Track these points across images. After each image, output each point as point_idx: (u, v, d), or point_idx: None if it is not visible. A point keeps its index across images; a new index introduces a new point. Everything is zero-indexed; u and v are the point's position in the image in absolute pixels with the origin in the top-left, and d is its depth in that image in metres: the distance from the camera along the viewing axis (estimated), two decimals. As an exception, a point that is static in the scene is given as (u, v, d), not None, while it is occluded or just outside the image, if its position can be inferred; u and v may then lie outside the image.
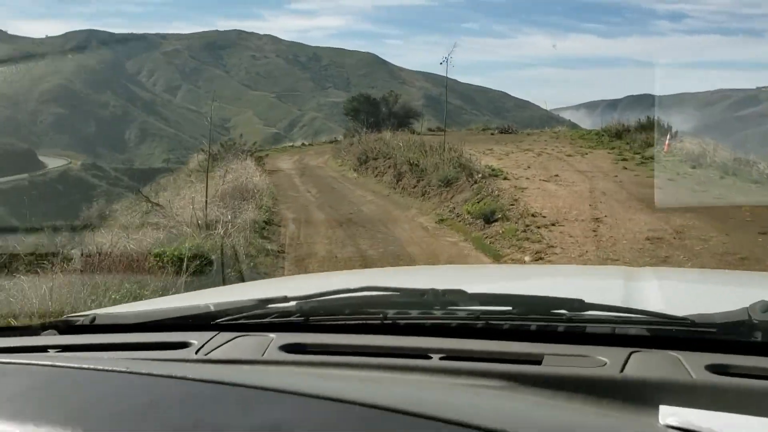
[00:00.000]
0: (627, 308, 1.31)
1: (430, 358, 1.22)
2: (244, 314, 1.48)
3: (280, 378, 1.11)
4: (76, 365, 1.12)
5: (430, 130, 33.84)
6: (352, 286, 1.49)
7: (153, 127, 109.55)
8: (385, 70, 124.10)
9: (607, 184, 14.87)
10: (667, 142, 21.47)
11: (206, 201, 10.22)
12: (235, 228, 10.10)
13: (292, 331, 1.42)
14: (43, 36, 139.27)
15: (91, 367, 1.10)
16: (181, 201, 15.47)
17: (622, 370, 1.12)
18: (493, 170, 16.08)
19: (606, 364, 1.14)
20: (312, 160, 29.36)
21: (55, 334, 1.59)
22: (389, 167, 20.39)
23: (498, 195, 13.31)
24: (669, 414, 0.95)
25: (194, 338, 1.42)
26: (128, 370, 1.09)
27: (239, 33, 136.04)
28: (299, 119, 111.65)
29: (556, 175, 15.88)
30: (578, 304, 1.29)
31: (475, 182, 14.57)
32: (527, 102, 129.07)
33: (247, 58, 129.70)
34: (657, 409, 0.97)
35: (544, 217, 11.36)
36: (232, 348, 1.37)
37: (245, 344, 1.38)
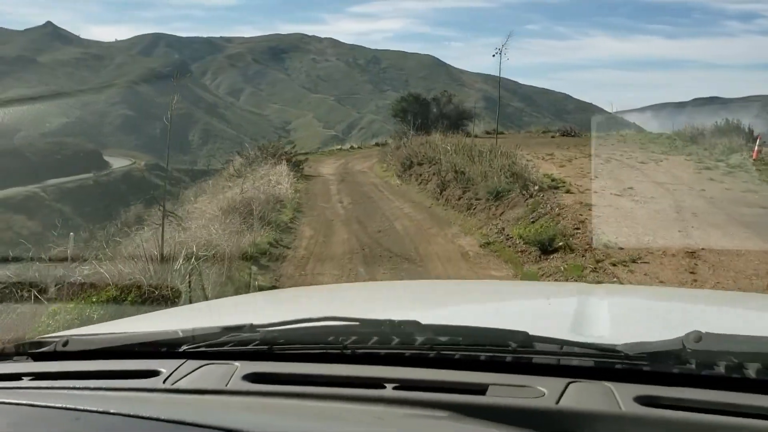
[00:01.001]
0: (569, 341, 1.29)
1: (385, 387, 1.24)
2: (210, 342, 1.48)
3: (240, 415, 1.16)
4: (48, 404, 1.17)
5: (486, 132, 31.08)
6: (317, 309, 1.72)
7: (215, 128, 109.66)
8: (445, 73, 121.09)
9: (694, 200, 11.83)
10: (756, 147, 18.28)
11: (162, 231, 7.73)
12: (212, 257, 7.64)
13: (257, 360, 1.43)
14: (113, 40, 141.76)
15: (63, 406, 1.15)
16: (194, 212, 13.24)
17: (558, 401, 1.14)
18: (552, 180, 13.21)
19: (545, 394, 1.17)
20: (357, 164, 26.95)
21: (28, 360, 1.60)
22: (434, 174, 17.73)
23: (558, 214, 10.48)
24: None
25: (163, 366, 1.43)
26: (98, 410, 1.13)
27: (301, 36, 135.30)
28: (357, 122, 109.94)
29: (630, 188, 12.90)
30: (524, 336, 1.30)
31: (531, 196, 11.76)
32: (589, 104, 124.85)
33: (308, 61, 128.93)
34: None
35: (621, 248, 8.50)
36: (199, 377, 1.37)
37: (211, 373, 1.38)
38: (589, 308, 1.88)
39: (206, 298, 6.39)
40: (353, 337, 1.42)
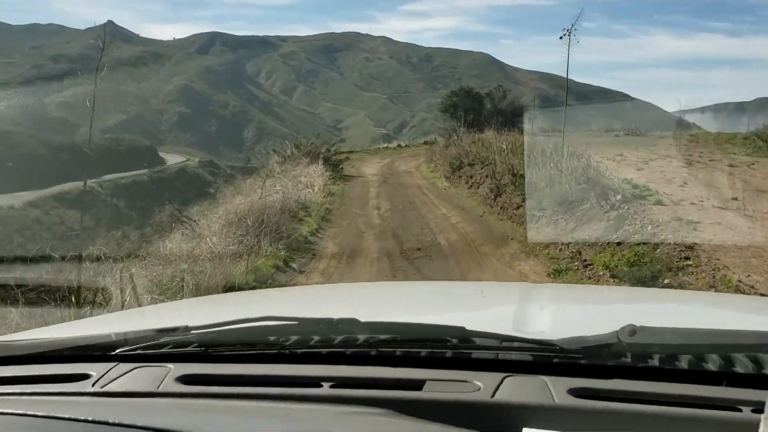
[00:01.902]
0: (508, 336, 1.30)
1: (321, 386, 1.23)
2: (143, 345, 1.42)
3: (170, 416, 1.12)
4: None
5: (543, 130, 28.25)
6: (255, 310, 1.56)
7: (269, 126, 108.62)
8: (499, 70, 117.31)
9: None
10: None
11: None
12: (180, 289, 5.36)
13: (192, 362, 1.37)
14: (171, 38, 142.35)
15: None
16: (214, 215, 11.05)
17: (493, 395, 1.14)
18: (635, 188, 10.53)
19: (480, 389, 1.16)
20: (403, 163, 24.49)
21: None
22: (486, 177, 15.15)
23: (654, 234, 7.78)
24: None
25: (94, 369, 1.38)
26: (22, 413, 1.11)
27: (354, 35, 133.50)
28: (409, 120, 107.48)
29: (735, 199, 10.11)
30: (463, 332, 1.29)
31: (612, 207, 9.09)
32: (647, 103, 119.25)
33: (361, 59, 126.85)
34: (521, 431, 1.03)
35: (752, 287, 5.82)
36: (129, 380, 1.33)
37: (143, 376, 1.34)
38: (531, 306, 1.85)
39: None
40: (292, 337, 1.37)
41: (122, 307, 5.27)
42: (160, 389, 1.26)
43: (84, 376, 1.34)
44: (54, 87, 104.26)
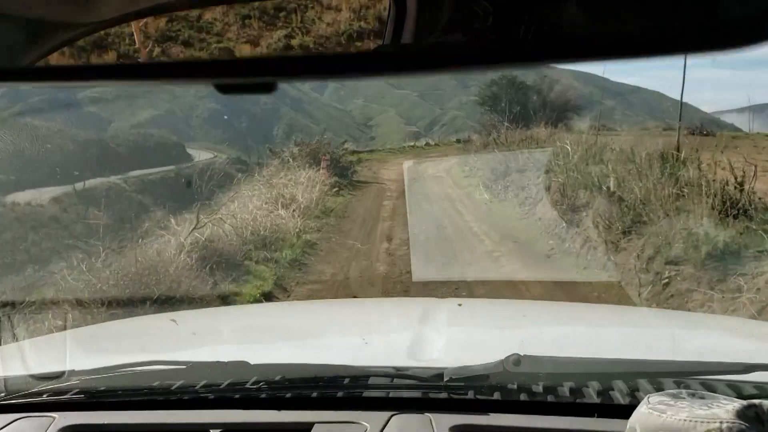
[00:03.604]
0: (397, 369, 1.27)
1: None
2: (23, 393, 1.31)
3: None
4: None
5: (594, 129, 23.25)
6: (141, 350, 1.54)
7: (299, 123, 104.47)
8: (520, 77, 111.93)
9: None
10: None
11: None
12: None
13: (77, 410, 1.29)
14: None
15: None
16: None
17: None
18: None
19: (367, 429, 1.15)
20: (432, 165, 19.68)
21: None
22: (546, 189, 10.28)
23: None
24: None
25: None
26: None
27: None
28: (440, 118, 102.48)
29: None
30: (355, 371, 1.28)
31: None
32: (684, 103, 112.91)
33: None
34: None
35: None
36: None
37: (24, 428, 1.24)
38: (428, 329, 1.82)
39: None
40: (180, 382, 1.30)
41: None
42: None
43: None
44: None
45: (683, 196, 6.42)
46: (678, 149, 8.05)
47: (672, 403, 0.89)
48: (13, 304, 5.23)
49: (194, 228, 6.74)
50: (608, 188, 7.75)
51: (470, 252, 8.03)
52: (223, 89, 0.89)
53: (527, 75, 23.62)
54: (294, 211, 8.79)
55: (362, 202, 12.21)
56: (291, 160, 13.84)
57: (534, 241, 8.55)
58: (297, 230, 8.05)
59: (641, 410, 0.90)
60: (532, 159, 12.21)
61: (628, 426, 0.91)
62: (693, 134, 23.60)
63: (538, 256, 7.68)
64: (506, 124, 16.02)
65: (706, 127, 25.10)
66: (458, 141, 26.66)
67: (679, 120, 11.11)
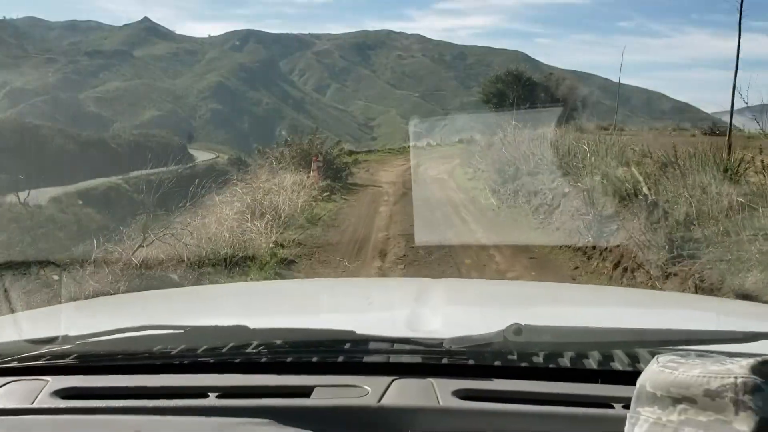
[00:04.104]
0: (399, 338, 1.24)
1: (207, 396, 1.15)
2: (18, 357, 1.26)
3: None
4: None
5: (602, 128, 21.85)
6: (140, 318, 1.43)
7: (301, 124, 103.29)
8: (534, 69, 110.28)
9: None
10: None
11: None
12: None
13: (72, 374, 1.24)
14: (206, 36, 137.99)
15: None
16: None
17: (380, 399, 1.11)
18: None
19: (368, 393, 1.13)
20: (433, 167, 18.31)
21: None
22: (564, 196, 8.90)
23: None
24: None
25: None
26: None
27: (388, 33, 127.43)
28: (442, 118, 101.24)
29: None
30: (355, 336, 1.24)
31: None
32: (686, 104, 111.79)
33: (394, 57, 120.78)
34: None
35: None
36: (2, 395, 1.19)
37: (16, 391, 1.20)
38: (425, 305, 1.77)
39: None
40: (178, 346, 1.26)
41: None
42: (35, 404, 1.14)
43: None
44: (89, 82, 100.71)
45: (750, 206, 5.02)
46: (729, 151, 6.64)
47: (683, 361, 0.83)
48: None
49: (139, 247, 5.36)
50: (645, 195, 6.33)
51: (479, 270, 6.64)
52: None
53: (533, 71, 22.16)
54: (269, 222, 7.34)
55: (356, 208, 10.78)
56: (274, 162, 12.42)
57: (553, 257, 7.14)
58: (271, 246, 6.61)
59: (652, 368, 0.84)
60: (544, 160, 10.81)
61: (637, 385, 0.85)
62: (705, 134, 22.30)
63: (561, 278, 6.28)
64: (513, 122, 14.59)
65: (718, 127, 23.82)
66: (460, 141, 25.35)
67: (730, 119, 9.69)
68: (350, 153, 21.02)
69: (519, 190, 10.88)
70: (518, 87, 19.56)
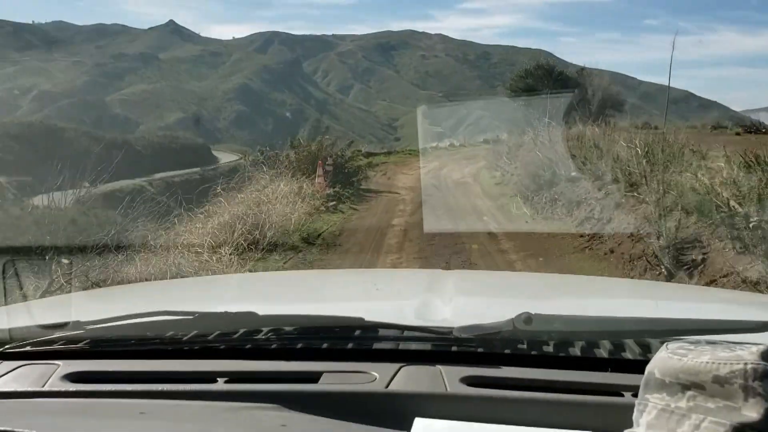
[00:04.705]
0: (408, 326, 1.24)
1: (216, 381, 1.15)
2: (30, 341, 1.27)
3: (53, 417, 1.08)
4: None
5: (637, 127, 19.90)
6: (150, 304, 1.37)
7: (324, 125, 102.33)
8: (560, 67, 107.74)
9: None
10: None
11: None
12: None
13: (83, 359, 1.24)
14: (231, 38, 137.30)
15: None
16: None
17: (388, 385, 1.10)
18: None
19: (376, 379, 1.12)
20: (456, 170, 16.63)
21: None
22: (617, 204, 7.15)
23: None
24: (421, 426, 0.98)
25: None
26: None
27: (411, 33, 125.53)
28: (465, 118, 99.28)
29: None
30: (364, 323, 1.23)
31: None
32: (713, 102, 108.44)
33: (417, 57, 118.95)
34: (413, 421, 1.00)
35: None
36: (13, 379, 1.20)
37: (28, 374, 1.21)
38: (435, 294, 1.72)
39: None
40: (188, 331, 1.27)
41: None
42: (46, 388, 1.15)
43: None
44: (115, 85, 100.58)
45: None
46: None
47: (692, 348, 0.83)
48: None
49: (45, 291, 3.81)
50: (745, 214, 4.58)
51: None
52: None
53: (566, 65, 20.19)
54: (230, 251, 5.66)
55: (365, 220, 9.12)
56: (267, 166, 10.82)
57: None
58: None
59: (660, 355, 0.84)
60: (588, 164, 9.06)
61: (646, 372, 0.85)
62: (750, 132, 20.31)
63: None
64: (547, 120, 12.80)
65: (762, 126, 21.86)
66: (486, 141, 23.62)
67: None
68: (367, 155, 19.39)
69: (557, 199, 9.13)
70: (549, 82, 17.69)
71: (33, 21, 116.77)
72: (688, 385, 0.78)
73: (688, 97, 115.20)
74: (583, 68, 21.47)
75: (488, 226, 8.78)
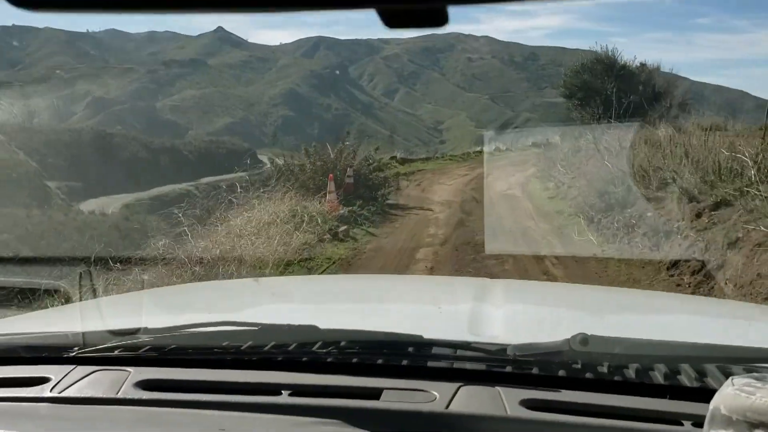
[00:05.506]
0: (463, 343, 1.24)
1: (281, 394, 1.16)
2: (100, 347, 1.30)
3: (130, 426, 1.09)
4: None
5: (702, 128, 17.22)
6: (213, 311, 1.50)
7: (369, 129, 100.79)
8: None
9: None
10: None
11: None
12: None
13: (151, 365, 1.28)
14: (278, 44, 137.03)
15: None
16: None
17: (448, 405, 1.10)
18: None
19: (436, 398, 1.12)
20: (502, 178, 14.36)
21: None
22: (732, 242, 4.76)
23: None
24: None
25: (53, 372, 1.26)
26: None
27: (457, 35, 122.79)
28: (512, 120, 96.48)
29: None
30: (420, 340, 1.24)
31: None
32: (762, 98, 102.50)
33: (463, 60, 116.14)
34: None
35: None
36: (88, 384, 1.22)
37: (101, 380, 1.23)
38: (486, 307, 1.76)
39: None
40: (250, 342, 1.28)
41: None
42: (120, 395, 1.17)
43: (43, 380, 1.23)
44: (166, 91, 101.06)
45: None
46: None
47: (760, 385, 0.81)
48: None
49: None
50: None
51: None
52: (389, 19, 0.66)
53: (627, 53, 17.65)
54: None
55: (380, 253, 6.91)
56: (254, 183, 8.80)
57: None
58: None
59: (727, 391, 0.82)
60: (678, 179, 6.73)
61: (711, 406, 0.83)
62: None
63: None
64: (612, 120, 10.43)
65: None
66: (534, 145, 21.21)
67: None
68: (402, 161, 17.24)
69: (635, 225, 6.82)
70: (610, 78, 15.16)
71: (87, 30, 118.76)
72: (756, 424, 0.76)
73: (742, 97, 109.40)
74: (643, 64, 18.84)
75: (544, 261, 6.54)
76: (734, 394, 0.79)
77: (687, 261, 5.41)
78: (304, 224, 6.81)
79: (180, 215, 7.64)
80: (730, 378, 0.83)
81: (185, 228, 6.56)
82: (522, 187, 13.04)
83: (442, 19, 0.65)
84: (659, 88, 16.55)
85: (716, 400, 0.81)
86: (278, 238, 5.91)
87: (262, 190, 8.24)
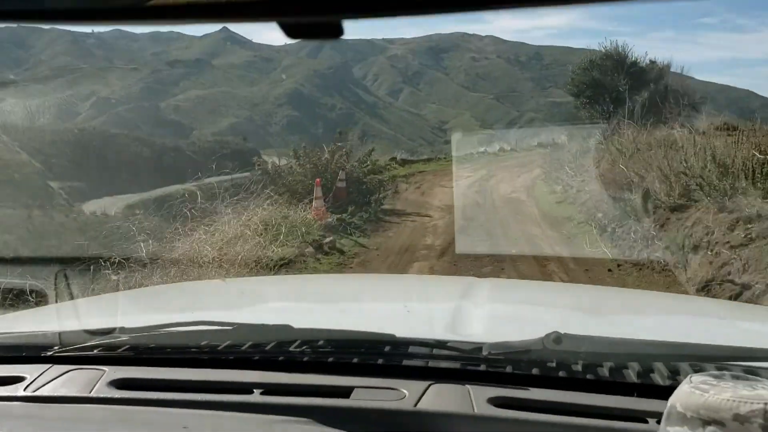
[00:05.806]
0: (439, 342, 1.22)
1: (252, 392, 1.16)
2: (76, 346, 1.31)
3: (102, 423, 1.07)
4: None
5: (716, 129, 16.41)
6: (188, 311, 1.45)
7: (373, 129, 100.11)
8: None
9: None
10: None
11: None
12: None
13: (126, 365, 1.28)
14: (282, 43, 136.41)
15: None
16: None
17: (417, 403, 1.09)
18: None
19: (405, 396, 1.11)
20: (506, 180, 13.63)
21: None
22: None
23: None
24: None
25: (28, 371, 1.27)
26: None
27: (461, 35, 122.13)
28: (516, 120, 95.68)
29: None
30: (395, 339, 1.23)
31: None
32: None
33: (467, 59, 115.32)
34: None
35: None
36: (63, 383, 1.22)
37: (76, 379, 1.23)
38: (467, 306, 1.73)
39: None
40: (226, 342, 1.28)
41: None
42: (93, 394, 1.16)
43: (18, 379, 1.23)
44: (170, 91, 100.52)
45: None
46: None
47: (715, 383, 0.83)
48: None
49: None
50: None
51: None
52: (289, 30, 0.74)
53: (635, 51, 16.83)
54: None
55: (370, 267, 6.10)
56: (228, 189, 8.07)
57: None
58: None
59: (683, 389, 0.84)
60: (705, 186, 5.93)
61: (668, 404, 0.84)
62: None
63: None
64: (626, 120, 9.63)
65: None
66: (540, 145, 20.48)
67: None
68: (403, 162, 16.47)
69: (655, 236, 6.03)
70: (621, 75, 14.32)
71: (93, 30, 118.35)
72: (708, 421, 0.77)
73: (749, 96, 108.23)
74: (653, 62, 18.02)
75: (552, 277, 5.76)
76: (689, 391, 0.80)
77: (721, 283, 4.62)
78: (282, 236, 6.06)
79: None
80: (689, 376, 0.83)
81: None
82: (527, 190, 12.27)
83: (337, 32, 0.68)
84: (671, 87, 15.73)
85: (673, 398, 0.82)
86: (243, 255, 5.13)
87: (235, 198, 7.49)
